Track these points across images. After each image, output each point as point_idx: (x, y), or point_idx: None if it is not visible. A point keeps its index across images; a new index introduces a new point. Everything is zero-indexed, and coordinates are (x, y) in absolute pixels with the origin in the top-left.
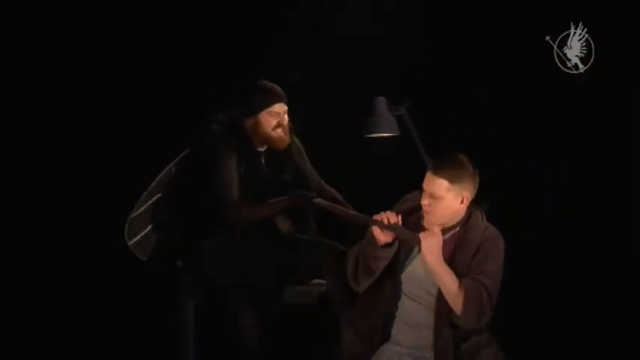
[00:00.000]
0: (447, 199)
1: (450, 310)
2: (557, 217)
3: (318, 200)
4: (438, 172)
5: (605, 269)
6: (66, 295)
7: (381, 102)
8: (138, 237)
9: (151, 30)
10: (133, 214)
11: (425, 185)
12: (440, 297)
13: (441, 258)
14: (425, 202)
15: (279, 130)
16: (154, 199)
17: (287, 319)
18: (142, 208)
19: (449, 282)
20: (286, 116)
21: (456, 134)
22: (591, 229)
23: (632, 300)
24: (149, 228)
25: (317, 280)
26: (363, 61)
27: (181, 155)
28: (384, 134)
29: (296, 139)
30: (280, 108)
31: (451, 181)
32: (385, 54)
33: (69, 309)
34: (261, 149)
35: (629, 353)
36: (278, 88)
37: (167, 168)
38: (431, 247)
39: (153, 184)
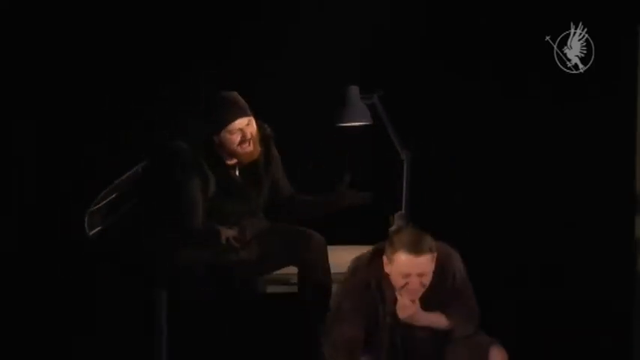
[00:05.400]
0: (431, 269)
1: None
2: (551, 219)
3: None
4: (420, 252)
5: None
6: (37, 287)
7: (354, 91)
8: (98, 229)
9: (112, 31)
10: (93, 208)
11: (412, 269)
12: None
13: (425, 316)
14: (415, 283)
15: (244, 146)
16: (114, 195)
17: (261, 308)
18: (102, 204)
19: (438, 324)
20: (251, 127)
21: (431, 124)
22: (588, 231)
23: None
24: (112, 221)
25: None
26: (338, 50)
27: (146, 163)
28: (357, 123)
29: (274, 148)
30: (241, 123)
31: (431, 250)
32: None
33: (39, 301)
34: (232, 162)
35: None
36: (236, 102)
37: (134, 169)
38: (413, 317)
39: (116, 182)
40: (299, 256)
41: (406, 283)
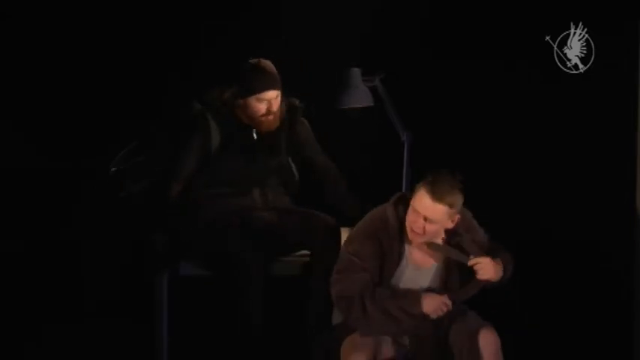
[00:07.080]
0: (442, 222)
1: None
2: (550, 218)
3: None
4: (439, 199)
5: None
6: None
7: (356, 73)
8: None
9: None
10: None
11: (421, 209)
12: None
13: (497, 272)
14: (419, 224)
15: (269, 117)
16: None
17: (271, 292)
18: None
19: (500, 275)
20: (278, 101)
21: (432, 107)
22: (589, 231)
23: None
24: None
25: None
26: (339, 32)
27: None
28: (359, 105)
29: (304, 120)
30: (271, 95)
31: (451, 206)
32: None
33: (37, 281)
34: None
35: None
36: (271, 73)
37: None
38: (492, 275)
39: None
40: (311, 240)
41: (413, 221)
